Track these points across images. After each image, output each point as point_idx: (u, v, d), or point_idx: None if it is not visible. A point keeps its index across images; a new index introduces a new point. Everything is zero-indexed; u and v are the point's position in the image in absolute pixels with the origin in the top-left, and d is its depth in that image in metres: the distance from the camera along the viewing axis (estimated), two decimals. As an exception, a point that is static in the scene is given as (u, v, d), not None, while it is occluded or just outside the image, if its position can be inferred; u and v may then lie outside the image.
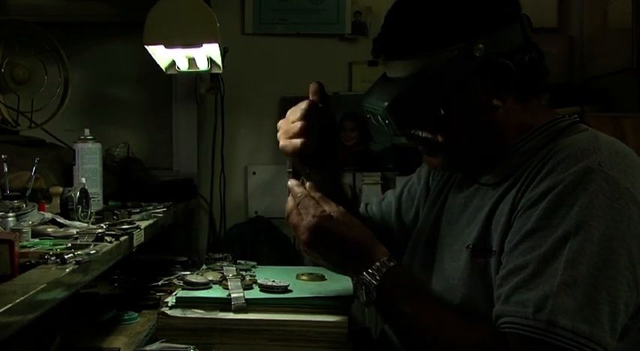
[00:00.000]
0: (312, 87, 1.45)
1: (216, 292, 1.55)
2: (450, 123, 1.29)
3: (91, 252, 1.24)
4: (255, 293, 1.54)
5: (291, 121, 1.41)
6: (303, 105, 1.40)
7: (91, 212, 1.69)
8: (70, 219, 1.61)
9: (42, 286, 0.99)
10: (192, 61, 2.29)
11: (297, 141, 1.39)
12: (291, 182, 1.42)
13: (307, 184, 1.41)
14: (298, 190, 1.38)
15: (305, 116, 1.39)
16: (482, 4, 1.28)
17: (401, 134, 1.35)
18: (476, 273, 1.27)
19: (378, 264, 1.27)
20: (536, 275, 1.12)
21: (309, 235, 1.32)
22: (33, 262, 1.16)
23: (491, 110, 1.29)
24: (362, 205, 1.78)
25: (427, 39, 1.27)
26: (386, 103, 1.28)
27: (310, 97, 1.44)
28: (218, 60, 2.32)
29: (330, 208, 1.33)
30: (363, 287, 1.28)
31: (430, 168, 1.47)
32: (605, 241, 1.11)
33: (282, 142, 1.42)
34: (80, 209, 1.64)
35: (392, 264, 1.28)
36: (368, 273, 1.27)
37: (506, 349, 1.12)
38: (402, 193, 1.67)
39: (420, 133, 1.33)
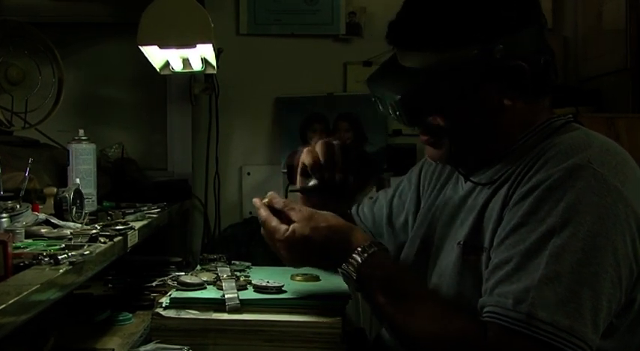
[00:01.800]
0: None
1: (210, 292, 1.55)
2: (459, 119, 1.30)
3: (85, 253, 1.24)
4: (250, 294, 1.54)
5: None
6: None
7: (85, 213, 1.69)
8: (63, 220, 1.60)
9: (35, 287, 0.99)
10: (186, 62, 2.29)
11: None
12: (255, 203, 1.44)
13: (268, 194, 1.43)
14: (262, 214, 1.40)
15: None
16: (506, 5, 1.27)
17: (409, 126, 1.35)
18: (467, 270, 1.27)
19: (351, 259, 1.29)
20: (519, 269, 1.13)
21: (283, 257, 1.38)
22: (26, 262, 1.15)
23: (500, 110, 1.30)
24: (354, 208, 1.78)
25: (448, 34, 1.26)
26: (399, 96, 1.27)
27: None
28: (212, 60, 2.32)
29: (295, 214, 1.35)
30: (346, 277, 1.32)
31: (430, 159, 1.46)
32: (590, 237, 1.11)
33: None
34: (74, 210, 1.64)
35: (365, 255, 1.28)
36: (347, 269, 1.30)
37: (485, 337, 1.12)
38: (394, 197, 1.68)
39: (428, 122, 1.32)
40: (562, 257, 1.10)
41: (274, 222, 1.36)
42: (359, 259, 1.28)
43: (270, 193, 1.42)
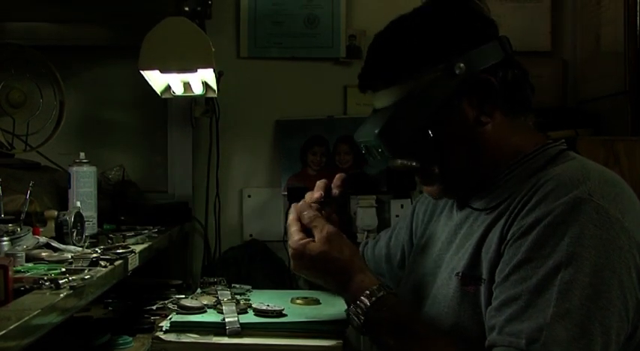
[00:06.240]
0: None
1: (210, 316, 1.55)
2: (441, 145, 1.31)
3: (86, 277, 1.24)
4: (250, 317, 1.54)
5: None
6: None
7: (85, 236, 1.69)
8: (64, 243, 1.60)
9: (36, 312, 0.99)
10: (187, 86, 2.30)
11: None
12: (294, 205, 1.48)
13: (306, 196, 1.48)
14: (290, 216, 1.45)
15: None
16: (458, 25, 1.32)
17: (394, 159, 1.38)
18: (466, 301, 1.27)
19: (359, 301, 1.32)
20: (528, 306, 1.12)
21: (291, 262, 1.43)
22: (27, 287, 1.16)
23: (480, 127, 1.32)
24: (361, 246, 1.83)
25: (408, 65, 1.31)
26: (376, 131, 1.31)
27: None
28: (213, 84, 2.33)
29: (317, 233, 1.39)
30: (352, 319, 1.33)
31: (429, 195, 1.49)
32: (596, 271, 1.11)
33: None
34: (75, 233, 1.64)
35: (373, 299, 1.31)
36: (353, 312, 1.32)
37: None
38: (391, 237, 1.73)
39: (413, 164, 1.35)
40: (571, 293, 1.10)
41: (294, 227, 1.43)
42: (367, 302, 1.31)
43: (307, 196, 1.48)
